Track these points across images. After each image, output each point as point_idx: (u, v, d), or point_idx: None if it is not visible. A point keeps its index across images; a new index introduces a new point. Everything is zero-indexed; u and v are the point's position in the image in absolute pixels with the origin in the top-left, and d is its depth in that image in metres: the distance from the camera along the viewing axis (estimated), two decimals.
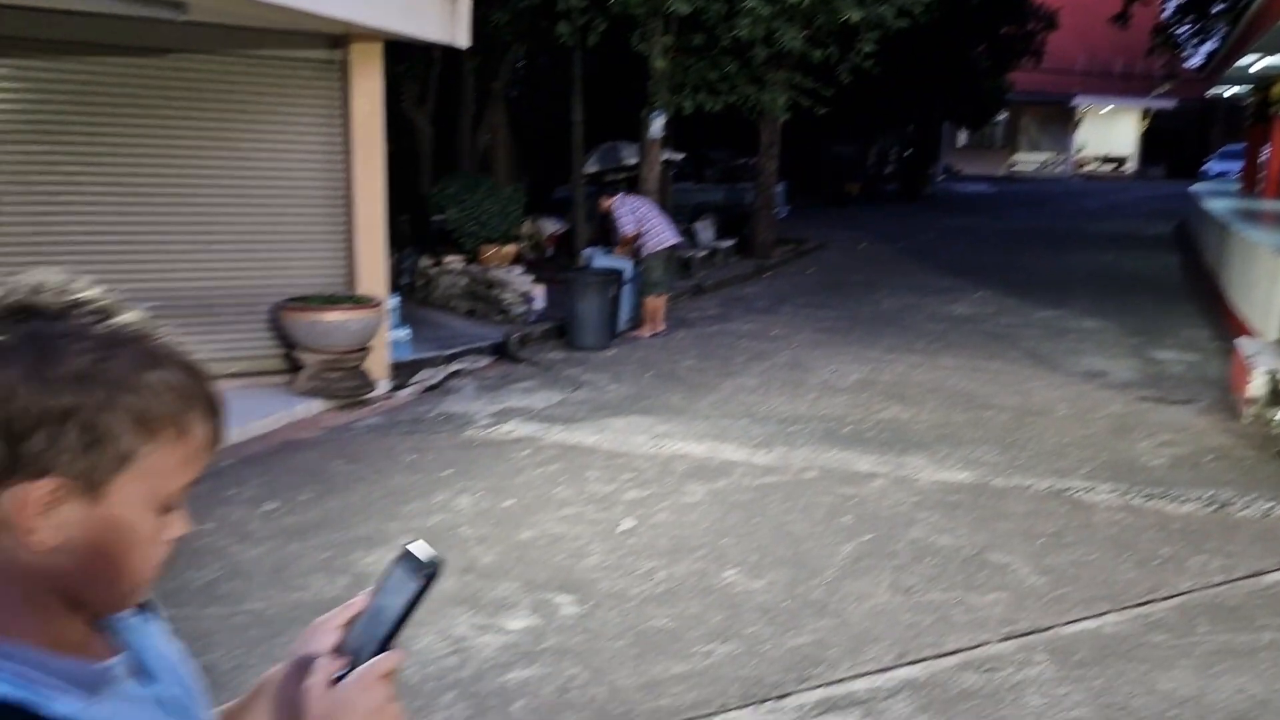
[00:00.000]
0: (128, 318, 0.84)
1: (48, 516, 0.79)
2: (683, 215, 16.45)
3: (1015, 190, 33.36)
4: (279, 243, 7.54)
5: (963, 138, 40.83)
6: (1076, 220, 23.03)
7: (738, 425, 6.83)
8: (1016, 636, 4.00)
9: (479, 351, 8.99)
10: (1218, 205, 14.81)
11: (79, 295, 0.83)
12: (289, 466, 5.93)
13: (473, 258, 11.32)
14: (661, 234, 9.91)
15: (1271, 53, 13.45)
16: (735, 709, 3.50)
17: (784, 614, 4.17)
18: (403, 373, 8.20)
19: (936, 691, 3.60)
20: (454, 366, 8.54)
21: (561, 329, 9.58)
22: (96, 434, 0.79)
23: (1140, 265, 15.26)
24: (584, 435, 6.51)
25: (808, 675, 3.71)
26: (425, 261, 11.37)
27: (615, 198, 10.15)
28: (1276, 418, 6.57)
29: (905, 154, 29.86)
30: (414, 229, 12.71)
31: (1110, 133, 43.11)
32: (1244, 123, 22.09)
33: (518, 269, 11.01)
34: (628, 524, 5.07)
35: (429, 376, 8.26)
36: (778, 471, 5.91)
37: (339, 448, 6.33)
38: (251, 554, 4.68)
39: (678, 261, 13.31)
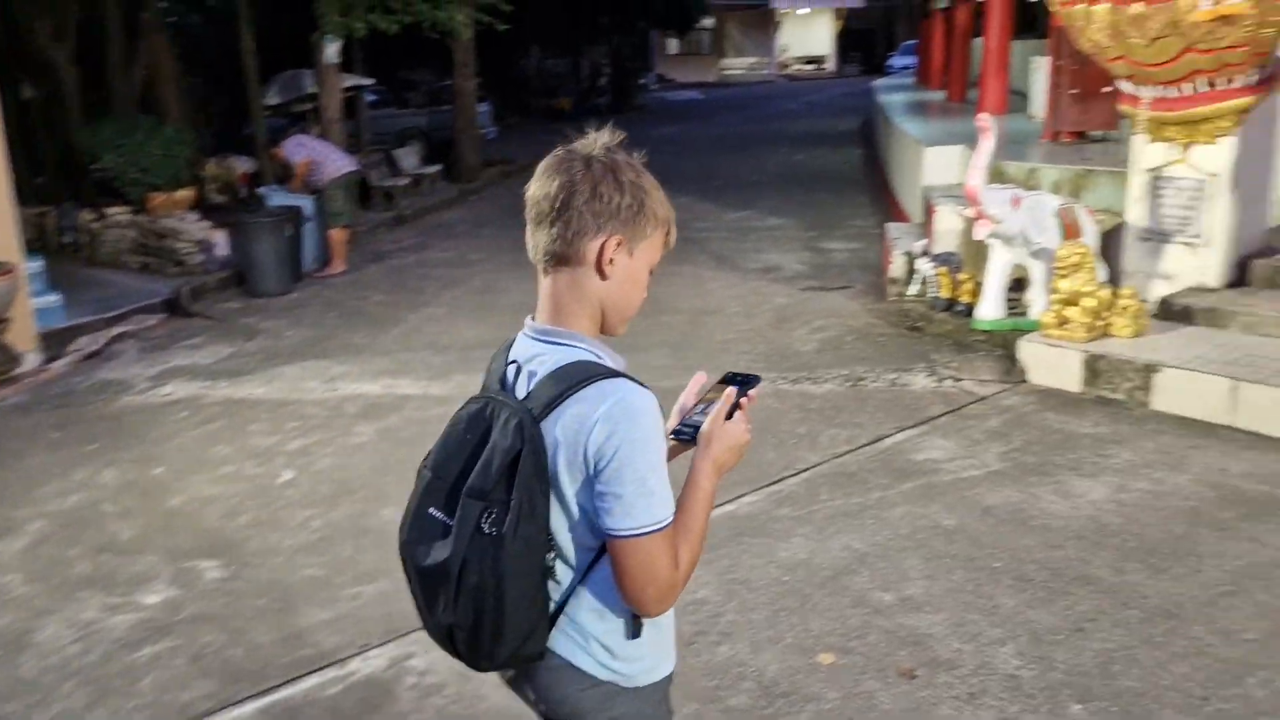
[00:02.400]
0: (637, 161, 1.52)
1: (611, 260, 1.47)
2: (385, 143, 15.89)
3: (724, 95, 34.50)
4: None
5: (674, 46, 41.66)
6: (776, 122, 24.16)
7: (418, 358, 6.74)
8: None
9: (148, 310, 8.35)
10: (889, 99, 15.95)
11: (621, 148, 1.50)
12: None
13: (141, 207, 10.42)
14: (337, 161, 9.51)
15: None
16: (377, 646, 3.49)
17: None
18: (56, 342, 7.49)
19: None
20: (117, 329, 7.89)
21: (241, 276, 9.04)
22: (638, 216, 1.47)
23: (826, 162, 16.24)
24: (252, 388, 6.21)
25: None
26: (86, 216, 10.35)
27: (285, 141, 9.66)
28: (908, 292, 7.23)
29: (616, 65, 30.10)
30: (70, 181, 11.53)
31: (809, 34, 45.36)
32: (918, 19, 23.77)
33: (192, 216, 10.24)
34: (287, 475, 4.91)
35: (88, 343, 7.58)
36: (452, 401, 5.83)
37: None
38: None
39: (381, 193, 12.89)
